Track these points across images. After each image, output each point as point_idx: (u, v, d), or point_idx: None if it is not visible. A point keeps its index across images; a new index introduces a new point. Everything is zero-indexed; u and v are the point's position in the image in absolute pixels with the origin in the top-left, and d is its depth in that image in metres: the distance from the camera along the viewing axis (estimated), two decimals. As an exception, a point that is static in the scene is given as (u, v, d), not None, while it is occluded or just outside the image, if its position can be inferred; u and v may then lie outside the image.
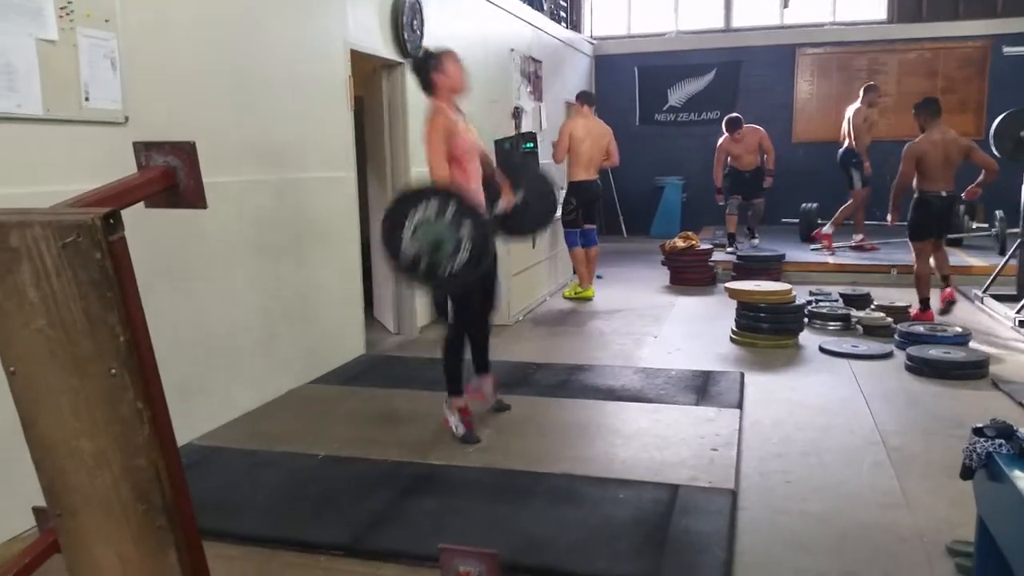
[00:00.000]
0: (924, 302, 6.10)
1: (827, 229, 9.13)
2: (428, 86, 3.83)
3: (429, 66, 3.80)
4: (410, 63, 4.01)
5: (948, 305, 6.42)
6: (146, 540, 1.67)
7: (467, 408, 3.82)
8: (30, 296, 1.57)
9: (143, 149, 1.87)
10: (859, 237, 9.13)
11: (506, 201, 4.03)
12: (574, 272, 7.75)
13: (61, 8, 3.01)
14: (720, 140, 9.18)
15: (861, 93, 9.15)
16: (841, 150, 9.16)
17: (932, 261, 6.19)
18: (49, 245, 1.51)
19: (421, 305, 6.00)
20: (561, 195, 4.39)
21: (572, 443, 3.74)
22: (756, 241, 9.29)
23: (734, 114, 9.23)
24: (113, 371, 1.57)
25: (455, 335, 3.86)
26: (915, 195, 6.06)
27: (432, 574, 2.42)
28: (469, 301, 3.81)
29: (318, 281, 4.82)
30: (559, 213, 7.38)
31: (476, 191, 3.82)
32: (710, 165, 9.53)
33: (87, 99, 3.15)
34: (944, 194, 5.97)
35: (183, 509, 1.68)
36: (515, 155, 4.34)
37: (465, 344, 3.90)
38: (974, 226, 9.34)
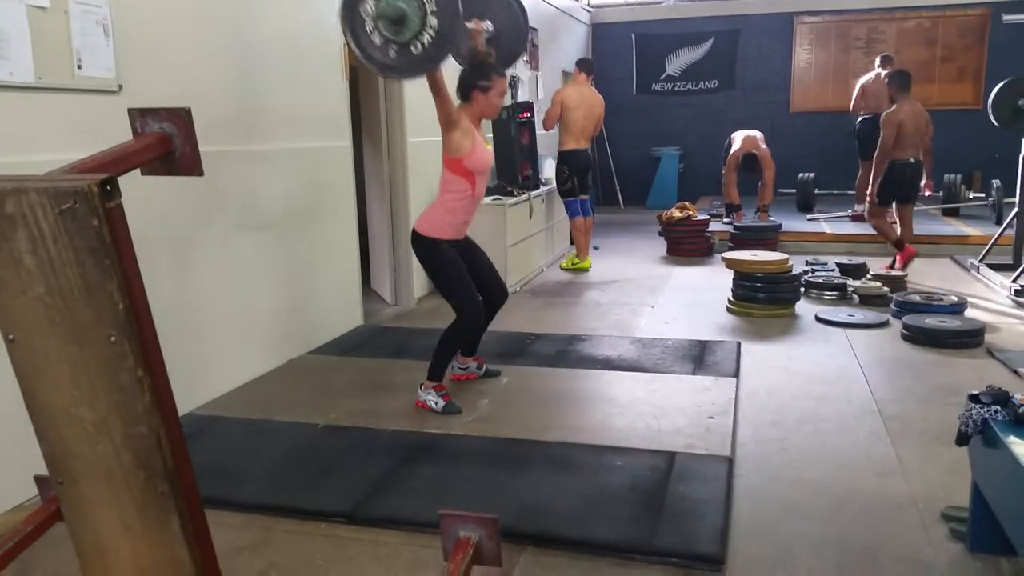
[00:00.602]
0: (899, 243, 6.57)
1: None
2: (465, 96, 3.66)
3: (479, 84, 3.62)
4: (468, 54, 3.80)
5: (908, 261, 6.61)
6: (148, 507, 1.68)
7: (441, 384, 3.79)
8: (27, 263, 1.56)
9: (139, 116, 1.85)
10: (861, 208, 9.08)
11: (475, 29, 3.81)
12: (571, 243, 7.74)
13: (51, -26, 2.97)
14: (730, 156, 8.91)
15: (883, 62, 8.92)
16: (863, 119, 8.89)
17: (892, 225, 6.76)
18: (46, 212, 1.50)
19: (418, 276, 5.99)
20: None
21: (569, 412, 3.76)
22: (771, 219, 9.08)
23: (751, 152, 8.81)
24: (112, 338, 1.57)
25: (458, 333, 3.77)
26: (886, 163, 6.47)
27: (432, 540, 2.44)
28: (465, 288, 3.72)
29: (316, 251, 4.81)
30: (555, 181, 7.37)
31: (475, 209, 3.77)
32: (708, 136, 9.51)
33: (80, 67, 3.11)
34: (912, 161, 6.45)
35: (185, 476, 1.69)
36: None
37: (461, 341, 3.85)
38: (971, 195, 9.35)
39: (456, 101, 3.66)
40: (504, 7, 4.11)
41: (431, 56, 3.20)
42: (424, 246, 3.70)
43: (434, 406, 3.70)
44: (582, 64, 7.33)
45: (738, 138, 9.01)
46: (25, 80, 2.90)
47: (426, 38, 3.14)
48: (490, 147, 3.77)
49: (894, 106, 6.40)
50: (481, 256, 3.92)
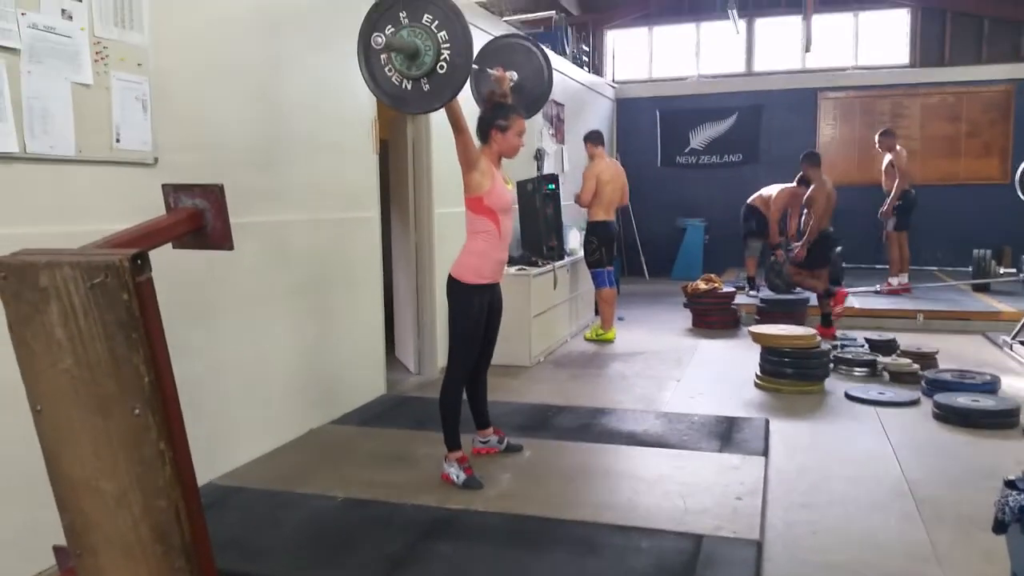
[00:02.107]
0: (828, 292, 7.20)
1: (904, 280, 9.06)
2: (484, 136, 3.73)
3: (496, 123, 3.69)
4: (485, 94, 3.99)
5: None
6: (164, 583, 1.66)
7: (464, 456, 3.76)
8: (57, 336, 1.59)
9: (172, 191, 1.90)
10: (896, 281, 8.98)
11: (499, 77, 3.90)
12: (596, 313, 7.72)
13: (97, 53, 3.09)
14: (781, 194, 8.77)
15: (884, 135, 9.04)
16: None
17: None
18: (78, 285, 1.53)
19: (442, 346, 5.99)
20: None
21: (593, 489, 3.69)
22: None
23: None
24: (137, 411, 1.58)
25: (451, 388, 3.78)
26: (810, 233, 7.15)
27: (450, 622, 2.38)
28: (468, 350, 3.76)
29: (341, 321, 4.84)
30: (580, 251, 7.41)
31: (504, 249, 3.79)
32: (733, 208, 9.47)
33: (118, 140, 3.21)
34: (831, 230, 7.28)
35: (202, 551, 1.68)
36: (501, 37, 4.33)
37: (461, 397, 3.83)
38: (1001, 271, 9.24)
39: (477, 143, 3.71)
40: (528, 57, 4.27)
41: (446, 89, 3.27)
42: (458, 291, 3.71)
43: (456, 479, 3.66)
44: (597, 138, 7.42)
45: (774, 189, 8.95)
46: (65, 153, 2.99)
47: (440, 72, 3.23)
48: (511, 187, 3.82)
49: (815, 184, 7.15)
50: (495, 323, 3.91)
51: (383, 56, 3.31)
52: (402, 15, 3.25)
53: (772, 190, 8.93)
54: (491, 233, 3.69)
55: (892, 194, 8.83)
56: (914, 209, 8.98)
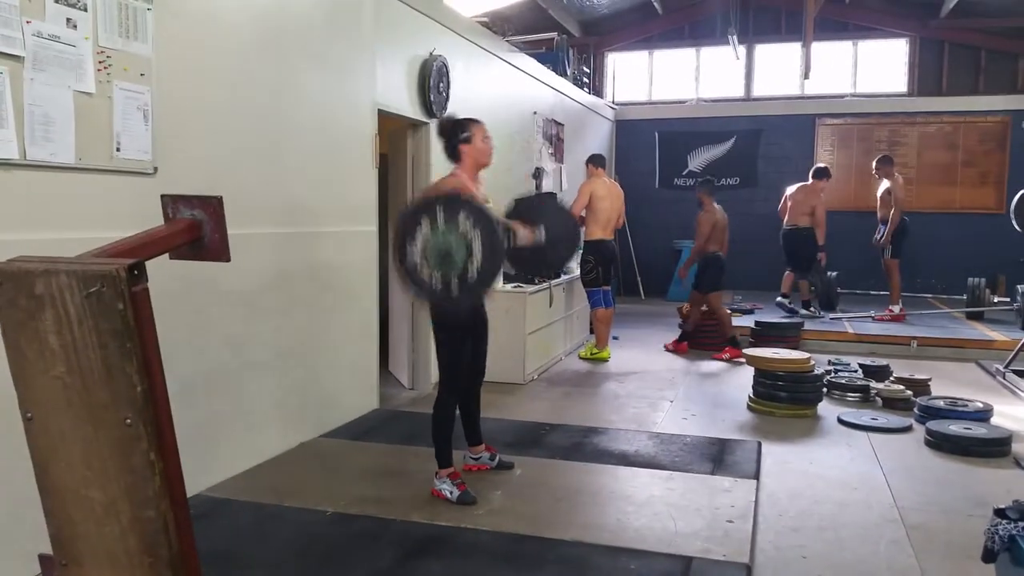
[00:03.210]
0: (734, 339, 7.44)
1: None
2: (454, 155, 3.81)
3: (458, 137, 3.77)
4: (436, 127, 4.07)
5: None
6: (150, 594, 1.65)
7: (456, 471, 3.76)
8: (51, 343, 1.59)
9: (170, 202, 1.90)
10: (898, 308, 9.00)
11: (525, 236, 3.91)
12: (591, 332, 7.73)
13: (100, 62, 3.11)
14: (811, 198, 8.90)
15: (881, 162, 9.07)
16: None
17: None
18: (73, 294, 1.54)
19: (435, 361, 5.98)
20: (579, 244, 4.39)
21: (584, 509, 3.68)
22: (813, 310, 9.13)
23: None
24: (128, 421, 1.57)
25: (444, 404, 3.79)
26: (703, 255, 7.62)
27: (437, 640, 2.37)
28: (457, 365, 3.78)
29: (335, 334, 4.84)
30: (577, 270, 7.43)
31: None
32: (730, 231, 9.53)
33: (118, 149, 3.22)
34: (722, 255, 7.67)
35: (189, 563, 1.67)
36: (535, 196, 4.31)
37: (454, 414, 3.85)
38: (995, 300, 9.27)
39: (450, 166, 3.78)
40: (561, 219, 4.30)
41: (470, 291, 3.23)
42: (442, 310, 3.71)
43: (449, 495, 3.65)
44: (599, 160, 7.49)
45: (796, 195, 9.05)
46: (66, 161, 3.00)
47: (470, 276, 3.18)
48: (491, 204, 3.84)
49: (706, 209, 7.57)
50: (482, 338, 3.94)
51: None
52: (439, 214, 3.19)
53: (800, 198, 8.94)
54: None
55: (890, 222, 8.84)
56: (907, 236, 9.02)
